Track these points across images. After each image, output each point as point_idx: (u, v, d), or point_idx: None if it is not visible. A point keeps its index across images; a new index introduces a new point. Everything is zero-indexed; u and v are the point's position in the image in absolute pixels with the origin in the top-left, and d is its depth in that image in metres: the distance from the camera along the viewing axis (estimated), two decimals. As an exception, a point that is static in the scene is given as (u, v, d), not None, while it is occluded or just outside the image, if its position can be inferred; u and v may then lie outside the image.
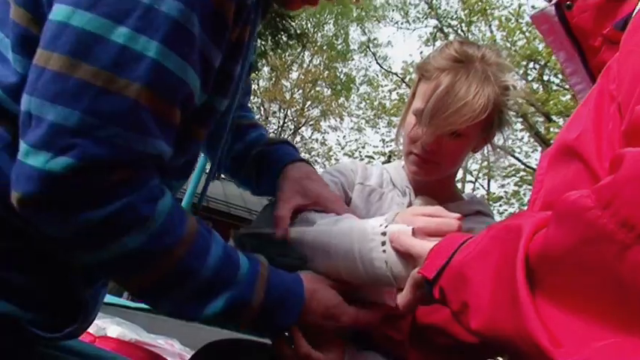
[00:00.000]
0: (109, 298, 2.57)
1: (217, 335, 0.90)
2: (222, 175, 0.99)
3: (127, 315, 2.71)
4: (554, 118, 10.75)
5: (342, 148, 18.40)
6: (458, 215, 0.76)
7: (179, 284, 0.63)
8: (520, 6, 12.55)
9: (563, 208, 0.40)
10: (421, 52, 15.39)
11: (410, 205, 1.08)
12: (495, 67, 1.01)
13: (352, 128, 20.48)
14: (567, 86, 10.63)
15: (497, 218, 1.23)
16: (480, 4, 12.71)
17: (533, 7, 12.19)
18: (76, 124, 0.54)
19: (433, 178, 1.09)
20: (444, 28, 14.72)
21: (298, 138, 18.11)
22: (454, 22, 14.64)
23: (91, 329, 1.69)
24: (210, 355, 0.83)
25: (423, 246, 0.67)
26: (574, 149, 0.52)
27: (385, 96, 16.66)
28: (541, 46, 10.52)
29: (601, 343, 0.37)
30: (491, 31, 12.93)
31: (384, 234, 0.74)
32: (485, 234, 0.52)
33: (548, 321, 0.40)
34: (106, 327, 1.87)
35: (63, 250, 0.63)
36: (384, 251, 0.73)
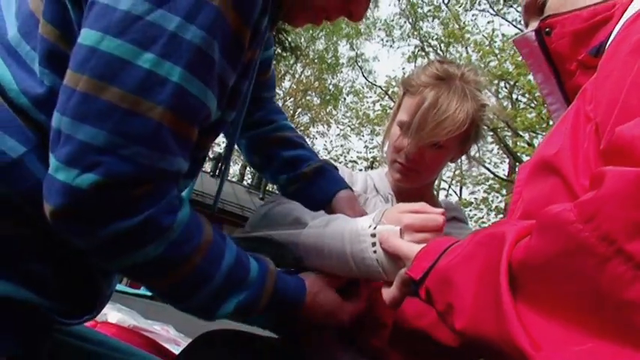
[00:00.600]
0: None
1: (211, 322, 0.88)
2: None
3: (126, 301, 2.68)
4: (520, 133, 10.87)
5: (329, 153, 18.44)
6: (442, 210, 0.75)
7: (195, 288, 0.63)
8: (493, 31, 12.77)
9: (545, 220, 0.39)
10: (403, 69, 15.55)
11: None
12: (473, 85, 1.01)
13: (338, 135, 20.53)
14: (533, 105, 10.78)
15: (469, 223, 1.24)
16: (457, 30, 12.88)
17: (503, 34, 12.45)
18: (103, 143, 0.53)
19: (415, 186, 1.09)
20: (425, 47, 14.86)
21: (288, 142, 18.06)
22: (434, 43, 14.80)
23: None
24: (207, 345, 0.81)
25: (411, 248, 0.66)
26: (552, 164, 0.52)
27: (369, 107, 16.76)
28: (511, 67, 10.65)
29: (578, 347, 0.36)
30: (467, 52, 13.08)
31: (373, 235, 0.73)
32: (471, 240, 0.51)
33: (528, 325, 0.39)
34: (107, 313, 1.84)
35: (90, 256, 0.62)
36: (375, 251, 0.73)
